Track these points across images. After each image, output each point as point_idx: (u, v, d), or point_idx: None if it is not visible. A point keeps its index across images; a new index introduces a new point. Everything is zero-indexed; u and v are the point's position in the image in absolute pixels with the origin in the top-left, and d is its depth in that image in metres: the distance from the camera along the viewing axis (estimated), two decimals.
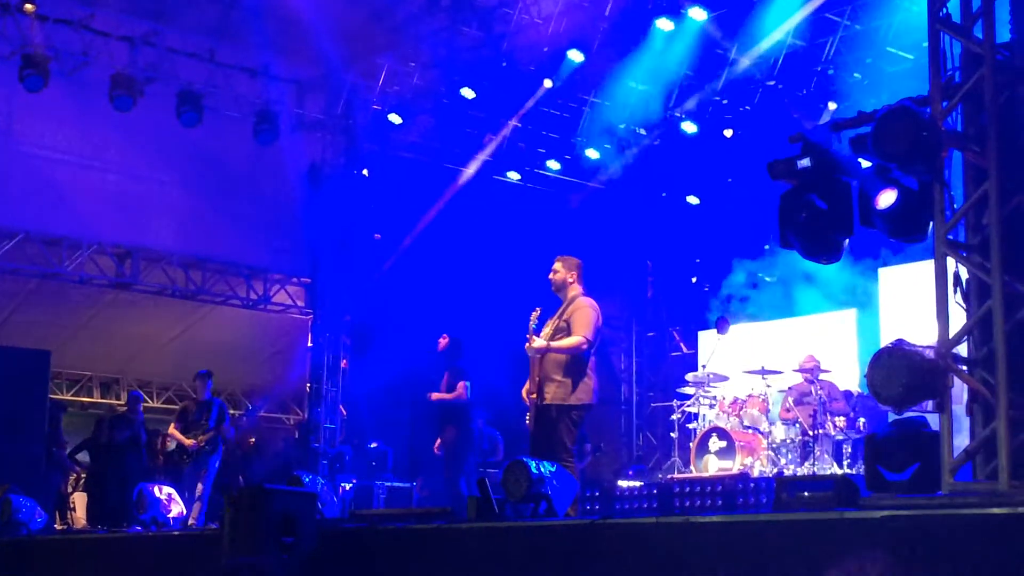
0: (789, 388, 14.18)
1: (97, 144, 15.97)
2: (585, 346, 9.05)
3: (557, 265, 9.42)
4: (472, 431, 13.68)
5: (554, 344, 9.08)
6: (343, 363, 17.06)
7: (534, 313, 9.15)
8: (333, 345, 17.17)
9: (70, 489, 15.27)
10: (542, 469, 7.45)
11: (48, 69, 14.68)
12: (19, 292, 16.16)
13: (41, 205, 15.63)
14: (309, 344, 17.36)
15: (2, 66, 14.80)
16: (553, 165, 18.55)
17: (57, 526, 12.53)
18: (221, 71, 16.27)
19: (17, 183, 15.51)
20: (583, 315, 9.16)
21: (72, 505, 14.50)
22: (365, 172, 17.63)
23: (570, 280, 9.35)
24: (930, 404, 6.28)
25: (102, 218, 16.04)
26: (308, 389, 17.19)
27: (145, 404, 16.47)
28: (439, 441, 13.07)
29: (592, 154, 18.09)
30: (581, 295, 9.32)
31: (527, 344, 9.10)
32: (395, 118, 17.17)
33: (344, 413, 16.94)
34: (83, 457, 15.29)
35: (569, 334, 9.11)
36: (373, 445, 17.02)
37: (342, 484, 15.01)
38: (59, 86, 15.11)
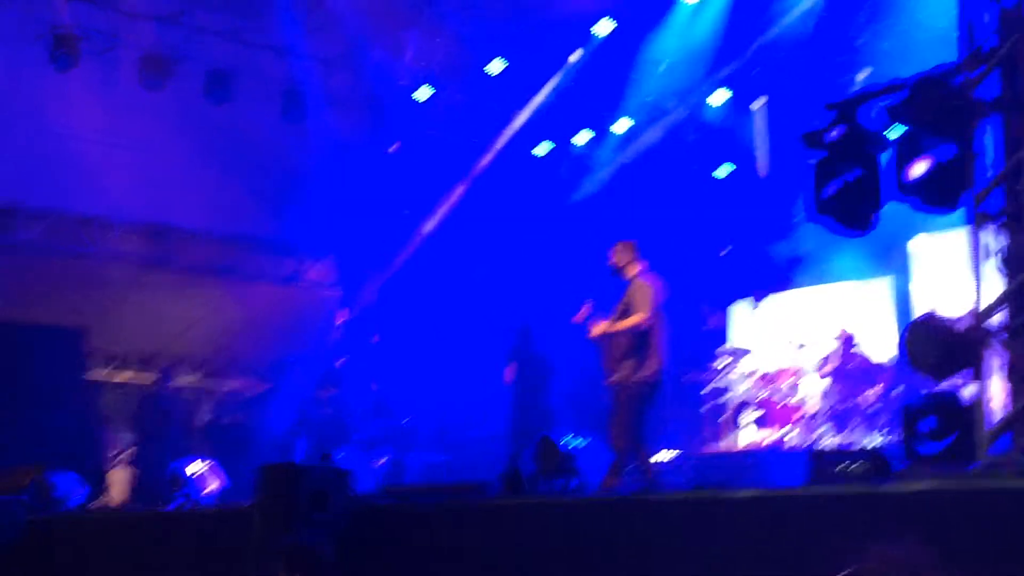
0: (823, 359, 14.10)
1: (128, 124, 16.03)
2: (644, 324, 9.24)
3: (614, 250, 9.60)
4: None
5: (614, 326, 9.31)
6: (374, 338, 17.11)
7: (585, 306, 9.35)
8: (364, 321, 17.21)
9: (108, 467, 15.36)
10: (572, 444, 7.47)
11: (78, 50, 14.75)
12: (53, 272, 16.26)
13: (73, 185, 15.74)
14: (339, 320, 17.41)
15: (33, 47, 14.87)
16: (582, 139, 18.46)
17: (95, 504, 12.60)
18: (248, 50, 16.29)
19: (49, 163, 15.61)
20: (642, 294, 9.40)
21: (109, 482, 14.58)
22: (393, 148, 17.63)
23: (627, 262, 9.55)
24: (964, 374, 6.23)
25: (134, 197, 16.14)
26: (339, 365, 17.24)
27: (179, 380, 16.55)
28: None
29: (622, 126, 17.99)
30: (640, 274, 9.54)
31: (589, 330, 9.34)
32: (422, 94, 17.14)
33: (375, 388, 16.99)
34: (121, 434, 15.39)
35: (630, 315, 9.30)
36: (405, 420, 17.06)
37: (375, 460, 15.05)
38: (89, 67, 15.17)
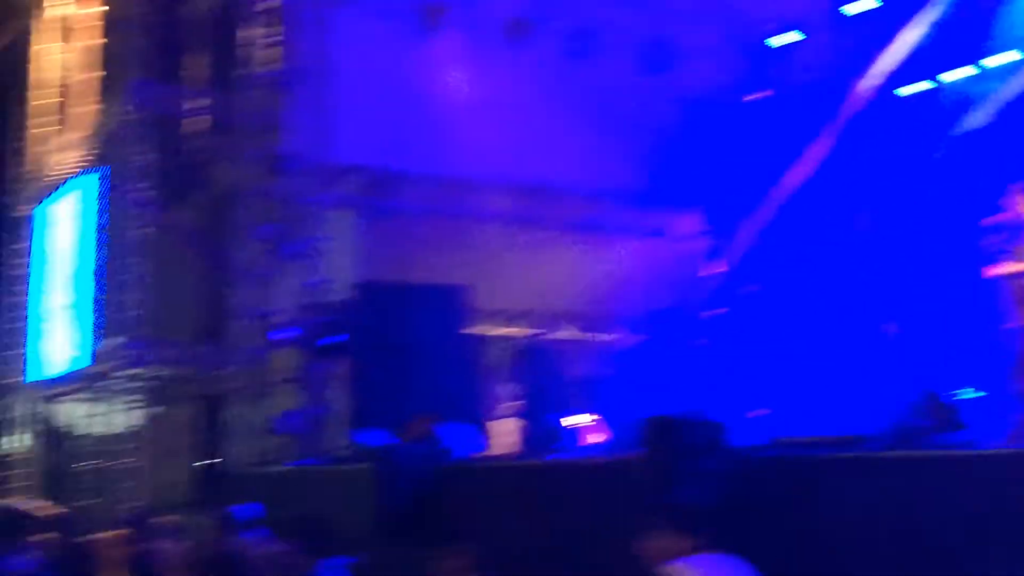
0: None
1: (496, 85, 16.56)
2: None
3: (1012, 200, 8.97)
4: None
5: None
6: (750, 288, 16.93)
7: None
8: (738, 271, 17.07)
9: (493, 418, 15.96)
10: (962, 396, 7.17)
11: (446, 18, 15.31)
12: (433, 234, 17.07)
13: (447, 148, 16.44)
14: (709, 271, 17.35)
15: (405, 19, 15.58)
16: (956, 75, 17.46)
17: (482, 454, 13.16)
18: (607, 5, 16.40)
19: (423, 128, 16.35)
20: None
21: (495, 433, 15.14)
22: (756, 96, 17.34)
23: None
24: None
25: (506, 159, 16.66)
26: (711, 315, 17.20)
27: (556, 334, 16.99)
28: None
29: (1002, 59, 16.88)
30: None
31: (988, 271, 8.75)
32: (785, 39, 16.75)
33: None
34: (504, 387, 15.95)
35: None
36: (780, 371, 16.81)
37: (753, 411, 14.90)
38: (457, 33, 15.74)
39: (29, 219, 26.85)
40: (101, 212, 21.50)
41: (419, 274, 15.85)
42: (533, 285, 18.82)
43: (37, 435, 25.51)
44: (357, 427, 13.11)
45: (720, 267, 17.25)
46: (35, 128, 26.57)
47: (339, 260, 16.06)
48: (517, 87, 16.70)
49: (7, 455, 26.37)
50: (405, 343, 14.07)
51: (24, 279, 26.70)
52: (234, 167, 17.24)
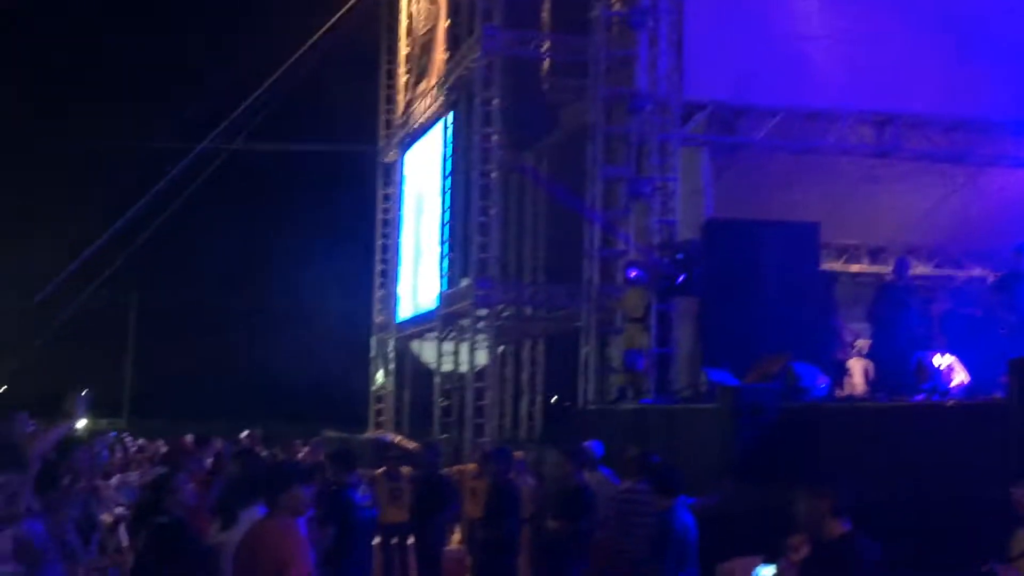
0: None
1: (849, 16, 15.99)
2: None
3: None
4: None
5: None
6: None
7: None
8: None
9: (846, 356, 15.50)
10: None
11: None
12: (785, 168, 16.69)
13: (799, 82, 16.02)
14: None
15: None
16: None
17: (834, 394, 12.79)
18: None
19: (775, 64, 16.00)
20: None
21: (849, 372, 14.72)
22: None
23: None
24: None
25: (858, 88, 16.08)
26: None
27: (913, 270, 16.26)
28: None
29: None
30: None
31: None
32: None
33: None
34: (856, 325, 15.45)
35: None
36: None
37: None
38: None
39: (395, 166, 28.26)
40: (454, 157, 22.33)
41: (770, 210, 15.56)
42: (889, 220, 18.08)
43: (398, 373, 26.97)
44: (707, 366, 13.02)
45: None
46: (400, 77, 27.87)
47: (690, 198, 15.98)
48: (872, 11, 16.01)
49: (377, 390, 28.04)
50: (755, 281, 13.84)
51: (392, 223, 28.17)
52: (585, 107, 17.41)
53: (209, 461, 11.10)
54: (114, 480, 11.57)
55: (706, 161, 16.38)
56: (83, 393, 5.92)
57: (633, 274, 15.15)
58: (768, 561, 3.92)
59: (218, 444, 11.53)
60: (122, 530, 9.00)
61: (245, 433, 15.84)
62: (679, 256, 14.66)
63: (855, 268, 18.70)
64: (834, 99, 16.11)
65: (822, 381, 11.39)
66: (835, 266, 18.24)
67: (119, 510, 9.39)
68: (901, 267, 14.82)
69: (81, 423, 8.89)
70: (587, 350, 16.66)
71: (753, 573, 3.61)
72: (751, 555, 7.81)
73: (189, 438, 14.72)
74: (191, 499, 7.77)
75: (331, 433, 24.41)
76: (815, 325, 13.94)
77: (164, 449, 15.09)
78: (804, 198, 16.63)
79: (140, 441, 16.94)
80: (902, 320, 14.00)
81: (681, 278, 14.47)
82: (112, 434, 16.80)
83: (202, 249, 40.09)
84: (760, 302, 13.71)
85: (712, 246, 14.31)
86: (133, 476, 12.64)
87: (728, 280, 13.92)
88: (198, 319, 43.36)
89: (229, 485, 7.84)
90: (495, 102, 20.05)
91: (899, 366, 13.01)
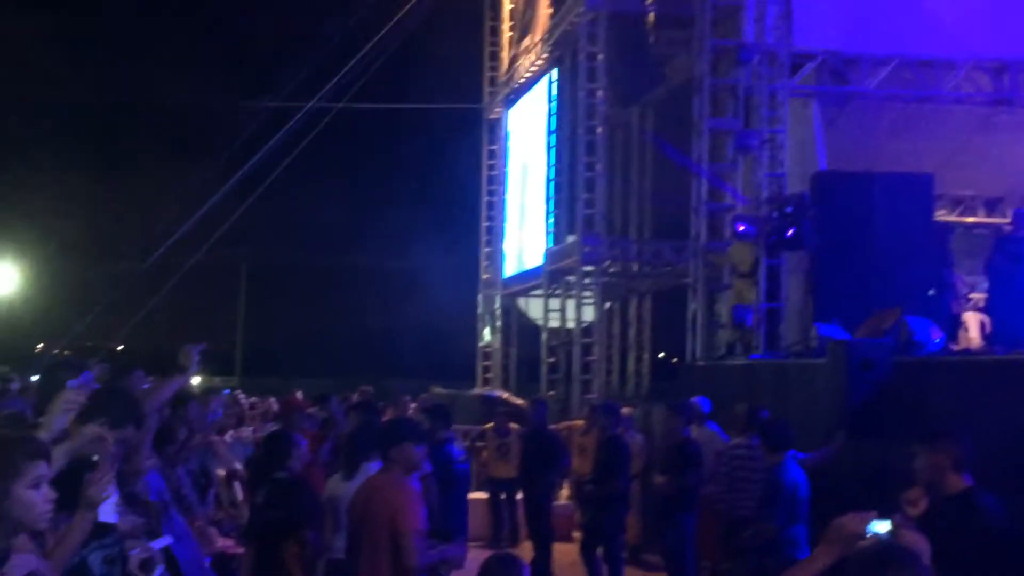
0: None
1: None
2: None
3: None
4: None
5: None
6: None
7: None
8: None
9: (961, 310, 15.21)
10: None
11: None
12: (897, 118, 16.34)
13: (912, 29, 15.65)
14: None
15: None
16: None
17: (949, 348, 12.54)
18: None
19: (887, 10, 15.65)
20: None
21: (964, 326, 14.43)
22: None
23: None
24: None
25: (974, 34, 15.65)
26: None
27: None
28: None
29: None
30: None
31: None
32: None
33: None
34: (972, 277, 15.14)
35: None
36: None
37: None
38: None
39: (500, 122, 28.25)
40: (559, 113, 22.24)
41: (882, 162, 15.23)
42: (1006, 169, 17.58)
43: (505, 329, 27.07)
44: (817, 320, 12.84)
45: None
46: (504, 34, 27.80)
47: (799, 150, 15.74)
48: None
49: (485, 347, 28.19)
50: (866, 234, 13.60)
51: (498, 180, 28.19)
52: (691, 60, 17.19)
53: (322, 417, 11.31)
54: (228, 436, 11.80)
55: (816, 112, 16.09)
56: (198, 347, 6.02)
57: (741, 228, 14.98)
58: (882, 517, 3.84)
59: (333, 402, 11.70)
60: (237, 485, 9.17)
61: (358, 390, 16.05)
62: (788, 210, 14.45)
63: (971, 219, 18.24)
64: (949, 46, 15.70)
65: (936, 335, 11.15)
66: (950, 218, 17.82)
67: (236, 465, 9.57)
68: (1019, 218, 14.42)
69: (195, 378, 9.04)
70: (695, 306, 16.56)
71: (867, 528, 3.55)
72: (864, 511, 7.70)
73: (299, 395, 14.94)
74: (305, 455, 7.89)
75: (439, 390, 24.61)
76: (929, 278, 13.68)
77: (276, 407, 15.36)
78: (917, 148, 16.25)
79: (252, 399, 17.25)
80: (1020, 272, 13.65)
81: (790, 232, 14.26)
82: (226, 391, 17.13)
83: (312, 208, 40.65)
84: (872, 255, 13.48)
85: (822, 199, 14.08)
86: (247, 432, 12.90)
87: (839, 234, 13.70)
88: (308, 278, 44.04)
89: (351, 436, 7.93)
90: (600, 57, 19.90)
91: (1016, 319, 12.73)
